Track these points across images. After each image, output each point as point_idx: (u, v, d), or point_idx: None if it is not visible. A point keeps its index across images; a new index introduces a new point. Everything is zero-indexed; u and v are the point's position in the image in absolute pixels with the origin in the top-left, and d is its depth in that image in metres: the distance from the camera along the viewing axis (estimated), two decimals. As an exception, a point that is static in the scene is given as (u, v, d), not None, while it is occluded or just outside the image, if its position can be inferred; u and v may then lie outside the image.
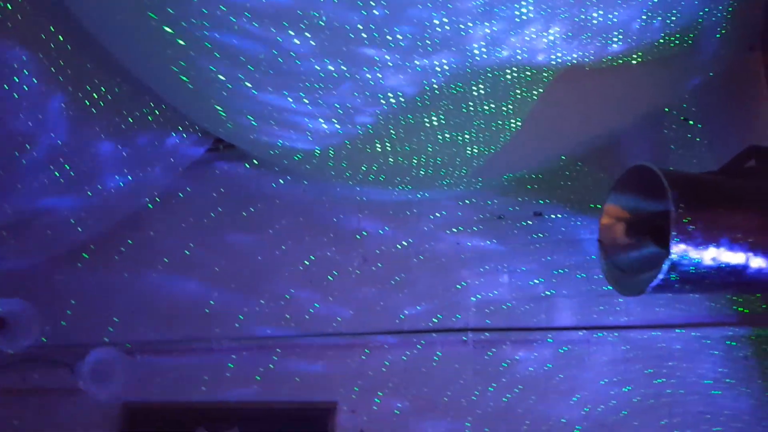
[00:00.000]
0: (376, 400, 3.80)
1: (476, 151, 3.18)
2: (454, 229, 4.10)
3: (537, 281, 3.74)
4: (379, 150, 3.12)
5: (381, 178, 3.56)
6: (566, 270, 3.70)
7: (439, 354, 3.78)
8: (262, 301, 4.30)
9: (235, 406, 4.11)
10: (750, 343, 3.12)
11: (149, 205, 4.74)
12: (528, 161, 3.62)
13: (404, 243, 4.14)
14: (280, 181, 4.55)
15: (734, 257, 2.56)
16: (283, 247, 4.39)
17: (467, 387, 3.61)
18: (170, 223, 4.66)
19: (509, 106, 2.89)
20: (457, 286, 3.91)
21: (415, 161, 3.26)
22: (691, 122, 3.70)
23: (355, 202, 4.36)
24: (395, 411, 3.71)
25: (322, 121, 2.96)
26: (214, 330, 4.32)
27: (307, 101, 2.81)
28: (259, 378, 4.13)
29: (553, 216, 3.85)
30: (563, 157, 3.87)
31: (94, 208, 4.44)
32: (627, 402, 3.25)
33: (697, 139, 3.61)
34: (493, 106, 2.80)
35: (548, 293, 3.70)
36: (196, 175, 4.74)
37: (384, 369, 3.82)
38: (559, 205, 3.96)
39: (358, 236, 4.21)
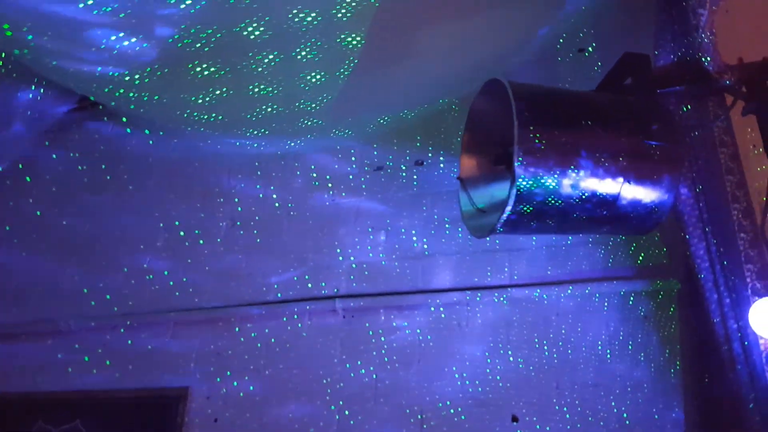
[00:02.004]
0: (234, 383, 3.35)
1: (318, 77, 2.72)
2: (329, 185, 3.65)
3: (416, 239, 3.32)
4: (201, 74, 2.61)
5: (220, 117, 3.07)
6: (448, 225, 3.27)
7: (308, 325, 3.32)
8: (113, 276, 3.88)
9: (77, 395, 3.63)
10: (649, 298, 2.67)
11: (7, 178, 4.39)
12: (391, 97, 3.18)
13: (276, 203, 3.71)
14: (149, 142, 4.09)
15: (601, 185, 2.12)
16: (146, 212, 3.98)
17: (335, 363, 3.12)
18: (25, 190, 4.19)
19: (344, 12, 2.44)
20: (330, 248, 3.49)
21: (252, 89, 2.76)
22: (587, 53, 3.28)
23: (226, 159, 3.95)
24: (255, 396, 3.26)
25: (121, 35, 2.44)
26: (61, 310, 3.84)
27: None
28: (108, 363, 3.64)
29: (435, 165, 3.44)
30: (443, 101, 3.52)
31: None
32: (509, 374, 2.75)
33: (595, 68, 3.18)
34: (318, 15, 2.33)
35: (427, 252, 3.28)
36: (60, 137, 4.33)
37: (244, 347, 3.35)
38: (443, 152, 3.54)
39: (223, 198, 3.80)
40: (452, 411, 2.83)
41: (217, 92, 2.64)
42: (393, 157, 3.55)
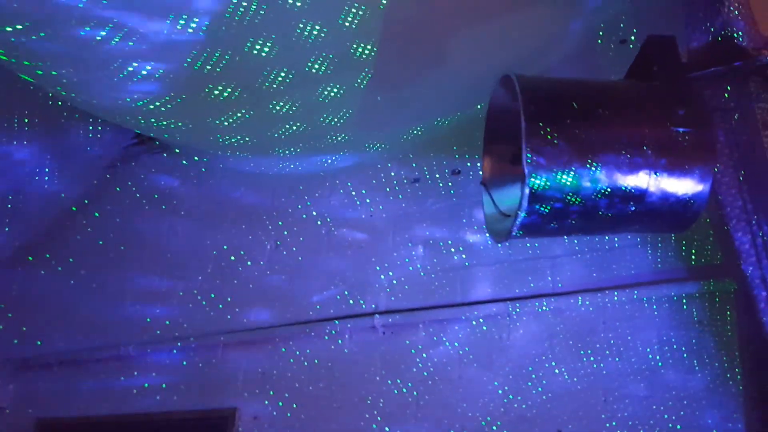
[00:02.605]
0: (279, 403, 3.37)
1: (336, 90, 2.72)
2: (367, 200, 3.64)
3: (453, 250, 3.23)
4: (219, 96, 2.67)
5: (247, 139, 3.13)
6: (487, 235, 3.16)
7: (348, 343, 3.30)
8: (170, 301, 4.06)
9: (134, 418, 3.77)
10: (703, 301, 2.47)
11: (73, 208, 4.73)
12: (421, 106, 3.12)
13: (318, 222, 3.76)
14: (203, 169, 4.28)
15: (625, 179, 2.00)
16: (198, 238, 4.15)
17: (375, 381, 3.08)
18: (90, 222, 4.48)
19: (351, 21, 2.44)
20: (369, 264, 3.46)
21: (272, 107, 2.79)
22: (630, 44, 3.12)
23: (269, 181, 4.07)
24: (300, 415, 3.25)
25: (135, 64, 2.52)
26: (121, 336, 4.04)
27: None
28: (164, 386, 3.78)
29: (473, 173, 3.35)
30: (480, 106, 3.42)
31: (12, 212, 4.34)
32: (554, 387, 2.62)
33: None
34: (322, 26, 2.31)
35: (466, 264, 3.18)
36: (120, 172, 4.62)
37: (288, 366, 3.37)
38: (480, 160, 3.44)
39: (267, 220, 3.89)
40: (494, 428, 2.72)
41: (239, 114, 2.74)
42: (430, 168, 3.52)
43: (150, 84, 2.66)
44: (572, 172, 1.93)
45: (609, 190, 1.96)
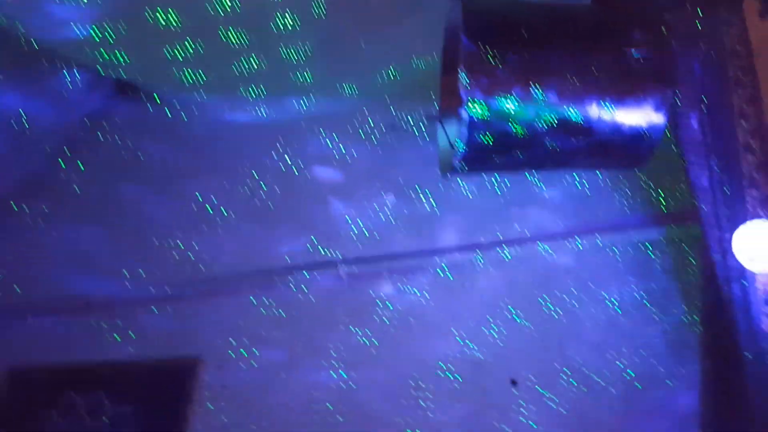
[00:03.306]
0: (244, 353, 3.39)
1: (290, 20, 2.67)
2: (342, 148, 3.62)
3: (425, 199, 3.21)
4: (163, 23, 2.62)
5: (205, 76, 3.10)
6: (460, 182, 3.15)
7: (314, 293, 3.32)
8: (144, 253, 4.10)
9: (102, 367, 3.83)
10: (669, 247, 2.45)
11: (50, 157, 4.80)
12: (392, 46, 3.01)
13: (291, 171, 3.75)
14: (179, 118, 4.29)
15: (572, 107, 1.94)
16: (173, 189, 4.19)
17: (339, 330, 3.07)
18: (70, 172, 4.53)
19: None
20: (340, 213, 3.46)
21: (223, 36, 2.72)
22: None
23: (244, 131, 4.06)
24: (264, 364, 3.27)
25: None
26: (93, 286, 4.10)
27: None
28: (133, 336, 3.84)
29: None
30: None
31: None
32: (511, 335, 2.63)
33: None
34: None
35: (436, 212, 3.16)
36: (99, 121, 4.64)
37: (254, 316, 3.36)
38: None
39: (242, 169, 3.89)
40: (449, 375, 2.75)
41: (189, 47, 2.70)
42: (406, 114, 3.51)
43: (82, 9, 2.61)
44: (514, 99, 1.88)
45: (554, 120, 1.92)
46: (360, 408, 2.90)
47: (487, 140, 1.97)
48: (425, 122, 3.47)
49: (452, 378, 2.73)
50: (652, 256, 2.49)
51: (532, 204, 2.88)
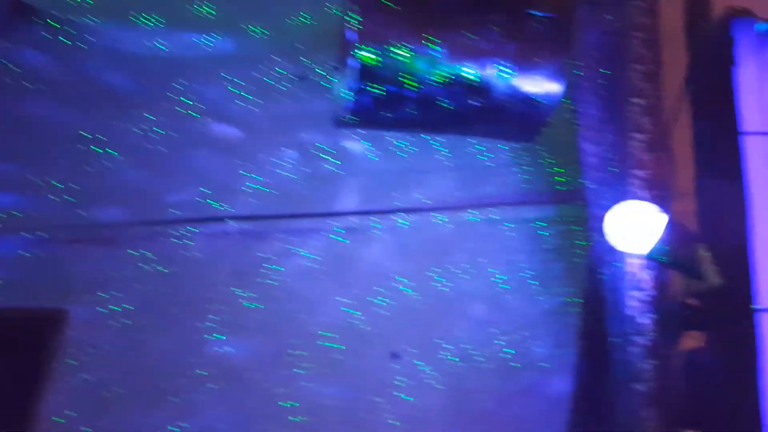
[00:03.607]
0: (114, 308, 3.22)
1: None
2: (248, 95, 3.46)
3: (328, 157, 3.11)
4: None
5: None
6: (365, 142, 3.05)
7: (200, 249, 3.16)
8: (21, 190, 3.82)
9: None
10: (559, 225, 2.43)
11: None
12: None
13: (191, 115, 3.55)
14: (73, 44, 3.98)
15: (468, 65, 1.87)
16: (61, 123, 3.90)
17: (221, 291, 2.95)
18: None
19: None
20: (238, 166, 3.30)
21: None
22: None
23: (145, 66, 3.82)
24: (133, 322, 3.13)
25: None
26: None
27: None
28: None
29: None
30: None
31: None
32: (397, 306, 2.56)
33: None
34: None
35: (337, 172, 3.07)
36: None
37: (129, 269, 3.15)
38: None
39: (138, 108, 3.66)
40: (329, 344, 2.68)
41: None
42: (317, 65, 3.37)
43: None
44: (407, 49, 1.79)
45: (449, 76, 1.85)
46: (235, 375, 2.80)
47: (376, 91, 1.87)
48: (335, 75, 3.36)
49: (333, 348, 2.67)
50: (543, 235, 2.49)
51: (434, 172, 2.81)
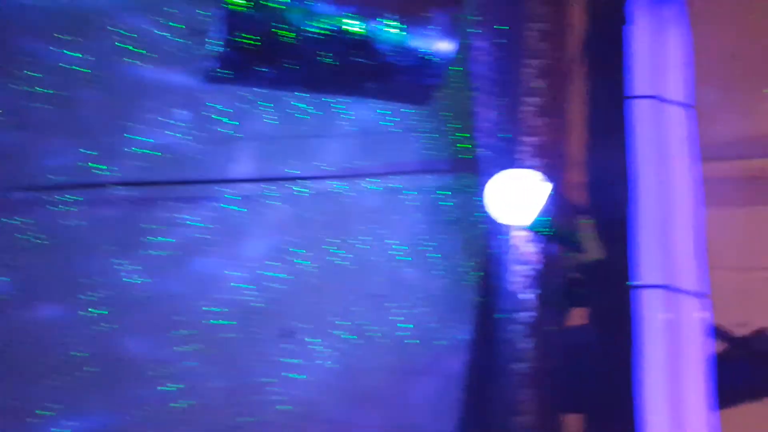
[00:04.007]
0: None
1: None
2: (141, 51, 3.25)
3: (223, 120, 2.96)
4: None
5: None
6: (262, 104, 2.92)
7: (80, 216, 2.97)
8: None
9: None
10: (459, 197, 2.37)
11: None
12: None
13: (78, 72, 3.32)
14: None
15: (347, 15, 1.76)
16: None
17: (102, 262, 2.80)
18: None
19: None
20: (126, 127, 3.12)
21: None
22: None
23: (34, 18, 3.53)
24: (3, 295, 2.95)
25: None
26: None
27: None
28: None
29: None
30: None
31: None
32: (291, 280, 2.44)
33: None
34: None
35: (233, 136, 2.93)
36: None
37: (2, 239, 3.03)
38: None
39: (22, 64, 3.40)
40: (219, 321, 2.56)
41: None
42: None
43: None
44: (281, -5, 1.67)
45: (328, 27, 1.73)
46: (114, 354, 2.66)
47: (249, 41, 1.73)
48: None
49: (222, 326, 2.56)
50: (444, 205, 2.43)
51: (335, 137, 2.69)
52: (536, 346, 1.55)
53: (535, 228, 1.59)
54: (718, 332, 1.57)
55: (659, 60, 1.60)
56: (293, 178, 2.61)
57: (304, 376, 2.30)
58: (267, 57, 1.73)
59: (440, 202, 2.35)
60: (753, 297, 2.12)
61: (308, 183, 2.58)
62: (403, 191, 2.43)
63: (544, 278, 1.65)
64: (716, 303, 1.60)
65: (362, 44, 1.75)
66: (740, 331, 1.62)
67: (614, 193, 1.59)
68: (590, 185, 1.69)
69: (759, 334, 1.59)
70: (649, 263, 1.42)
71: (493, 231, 1.78)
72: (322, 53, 1.74)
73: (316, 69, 1.80)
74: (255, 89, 2.44)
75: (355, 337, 2.31)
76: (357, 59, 1.76)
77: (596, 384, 1.51)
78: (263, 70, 1.77)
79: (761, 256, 2.16)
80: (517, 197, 1.62)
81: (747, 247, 2.19)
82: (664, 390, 1.36)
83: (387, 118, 2.60)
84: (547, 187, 1.56)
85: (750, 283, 2.11)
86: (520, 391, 1.54)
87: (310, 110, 2.83)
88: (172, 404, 2.37)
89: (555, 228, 1.55)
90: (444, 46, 1.80)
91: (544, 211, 1.57)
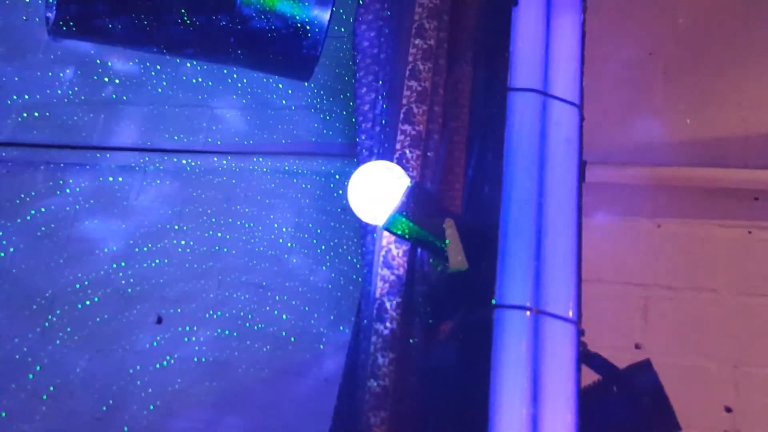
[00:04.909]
0: None
1: None
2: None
3: (107, 79, 2.70)
4: None
5: None
6: (149, 65, 2.68)
7: None
8: None
9: None
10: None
11: None
12: None
13: None
14: None
15: None
16: None
17: None
18: None
19: None
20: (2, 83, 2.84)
21: None
22: None
23: None
24: None
25: None
26: None
27: None
28: None
29: None
30: None
31: None
32: (168, 264, 2.25)
33: None
34: None
35: (118, 98, 2.67)
36: None
37: None
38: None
39: None
40: (88, 303, 2.37)
41: None
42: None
43: None
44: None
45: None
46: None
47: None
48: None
49: (91, 306, 2.36)
50: (333, 190, 2.27)
51: (225, 109, 2.48)
52: (393, 361, 1.42)
53: (390, 228, 1.45)
54: (595, 362, 1.46)
55: (546, 50, 1.45)
56: (178, 150, 2.43)
57: (174, 370, 2.15)
58: (110, 10, 1.53)
59: (332, 189, 2.20)
60: (635, 316, 2.06)
61: (194, 157, 2.39)
62: (295, 173, 2.27)
63: (407, 286, 1.52)
64: (594, 321, 1.50)
65: (222, 4, 1.57)
66: (619, 356, 1.51)
67: (488, 198, 1.46)
68: (465, 186, 1.55)
69: (640, 367, 1.49)
70: (515, 280, 1.30)
71: (365, 228, 1.64)
72: (176, 9, 1.54)
73: (172, 27, 1.61)
74: (121, 47, 2.17)
75: (232, 329, 2.16)
76: (218, 21, 1.58)
77: (453, 409, 1.40)
78: (108, 24, 1.57)
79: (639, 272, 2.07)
80: (374, 193, 1.47)
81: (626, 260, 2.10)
82: (523, 425, 1.25)
83: (282, 92, 2.42)
84: (405, 184, 1.41)
85: (634, 301, 2.04)
86: (371, 412, 1.42)
87: (202, 79, 2.62)
88: (30, 386, 2.20)
89: (412, 231, 1.41)
90: (315, 13, 1.63)
91: (403, 211, 1.43)
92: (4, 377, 2.34)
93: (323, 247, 2.20)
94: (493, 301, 1.27)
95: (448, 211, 1.45)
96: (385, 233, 1.49)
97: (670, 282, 2.10)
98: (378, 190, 1.43)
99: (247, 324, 2.18)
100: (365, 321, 1.52)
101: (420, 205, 1.41)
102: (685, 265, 2.10)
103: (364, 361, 1.49)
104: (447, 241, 1.36)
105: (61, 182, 2.53)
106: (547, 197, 1.35)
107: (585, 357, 1.33)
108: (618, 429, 1.39)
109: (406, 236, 1.43)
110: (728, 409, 2.01)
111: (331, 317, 2.13)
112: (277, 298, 2.19)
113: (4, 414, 2.29)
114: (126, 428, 2.15)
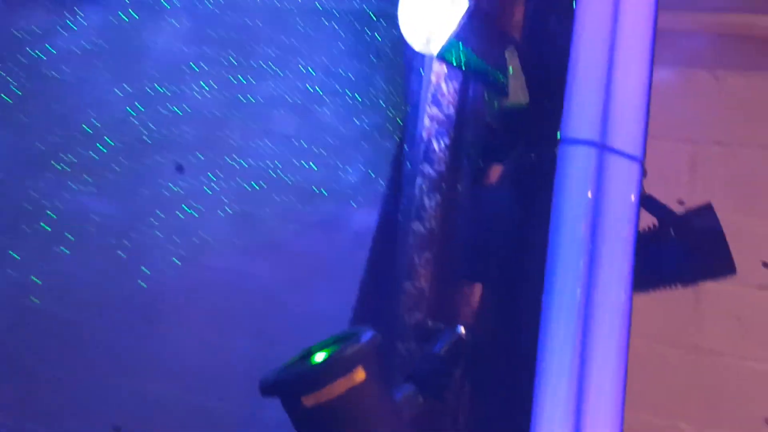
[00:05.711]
0: None
1: None
2: None
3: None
4: None
5: None
6: None
7: None
8: None
9: None
10: (392, 27, 2.06)
11: None
12: None
13: None
14: None
15: None
16: None
17: None
18: None
19: None
20: None
21: None
22: None
23: None
24: None
25: None
26: None
27: None
28: None
29: None
30: None
31: None
32: (189, 111, 2.13)
33: None
34: None
35: None
36: None
37: None
38: None
39: None
40: (105, 150, 2.32)
41: None
42: None
43: None
44: None
45: None
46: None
47: None
48: None
49: (106, 152, 2.29)
50: (370, 34, 2.12)
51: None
52: (438, 205, 1.38)
53: (445, 57, 1.33)
54: (652, 205, 1.42)
55: None
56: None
57: (195, 217, 2.11)
58: None
59: (366, 30, 2.05)
60: (683, 170, 1.99)
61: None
62: (326, 12, 2.10)
63: (457, 124, 1.43)
64: (657, 174, 1.44)
65: None
66: (679, 209, 1.47)
67: (554, 28, 1.34)
68: (527, 13, 1.41)
69: (700, 211, 1.44)
70: (581, 115, 1.22)
71: (414, 63, 1.52)
72: None
73: None
74: None
75: (257, 179, 2.10)
76: None
77: (504, 252, 1.37)
78: None
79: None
80: (428, 17, 1.34)
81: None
82: (578, 266, 1.21)
83: None
84: (463, 7, 1.27)
85: (682, 155, 1.97)
86: (416, 253, 1.39)
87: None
88: (43, 224, 2.17)
89: (470, 60, 1.29)
90: None
91: (460, 39, 1.30)
92: (17, 223, 2.34)
93: (356, 96, 2.12)
94: (558, 136, 1.20)
95: (509, 40, 1.34)
96: (435, 68, 1.39)
97: (723, 138, 2.05)
98: (432, 13, 1.30)
99: (273, 175, 2.13)
100: (409, 164, 1.46)
101: (478, 32, 1.29)
102: (740, 121, 2.04)
103: (407, 206, 1.44)
104: (510, 71, 1.25)
105: (68, 20, 2.39)
106: (617, 35, 1.24)
107: (644, 199, 1.29)
108: (673, 273, 1.38)
109: (462, 66, 1.32)
110: (765, 265, 2.03)
111: (366, 170, 2.07)
112: (306, 147, 2.14)
113: (18, 257, 2.32)
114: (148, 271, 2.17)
